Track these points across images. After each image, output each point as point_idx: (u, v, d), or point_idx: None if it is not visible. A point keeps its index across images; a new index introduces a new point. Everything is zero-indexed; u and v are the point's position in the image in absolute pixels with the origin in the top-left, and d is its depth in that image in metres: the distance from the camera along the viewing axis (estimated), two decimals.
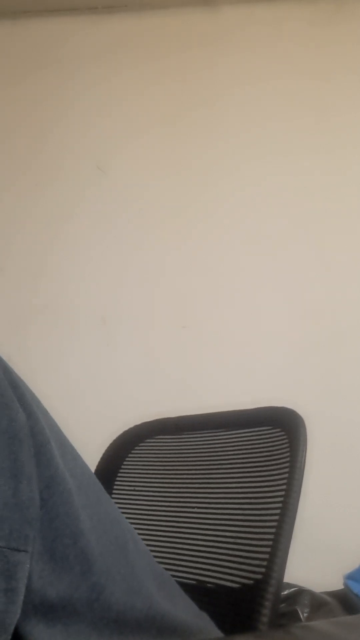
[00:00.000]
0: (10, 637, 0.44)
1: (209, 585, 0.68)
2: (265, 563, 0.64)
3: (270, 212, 1.89)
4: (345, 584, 1.50)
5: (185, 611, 0.58)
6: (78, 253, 1.92)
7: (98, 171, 1.94)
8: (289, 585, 1.44)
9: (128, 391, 1.84)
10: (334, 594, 1.49)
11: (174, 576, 0.62)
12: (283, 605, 1.44)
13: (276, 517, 0.65)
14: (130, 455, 0.87)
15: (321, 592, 1.49)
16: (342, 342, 1.81)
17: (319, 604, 1.46)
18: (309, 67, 1.93)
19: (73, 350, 1.88)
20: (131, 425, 0.99)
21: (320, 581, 1.49)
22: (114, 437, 0.99)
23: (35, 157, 1.97)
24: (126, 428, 0.99)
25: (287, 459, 0.68)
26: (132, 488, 0.83)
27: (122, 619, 0.51)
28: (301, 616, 1.44)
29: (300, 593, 1.48)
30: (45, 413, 0.53)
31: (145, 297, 1.89)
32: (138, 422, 1.00)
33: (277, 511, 0.65)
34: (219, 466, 0.76)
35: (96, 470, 0.86)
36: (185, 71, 1.97)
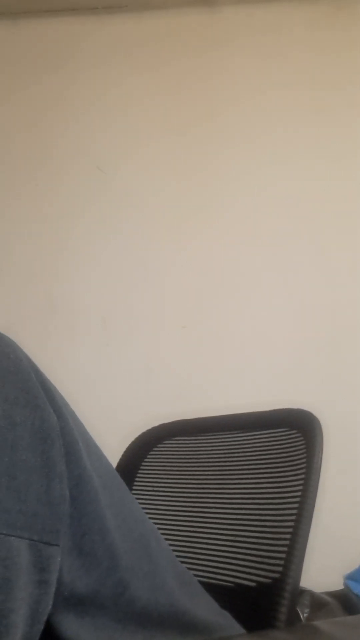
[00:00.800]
0: (42, 627, 0.46)
1: (226, 584, 0.69)
2: (282, 562, 0.65)
3: (271, 213, 1.90)
4: (345, 584, 1.51)
5: (206, 609, 0.59)
6: (78, 253, 1.93)
7: (99, 172, 1.95)
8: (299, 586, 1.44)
9: (128, 392, 1.84)
10: (334, 594, 1.50)
11: (193, 575, 0.63)
12: None
13: (293, 518, 0.66)
14: (148, 456, 0.88)
15: (321, 593, 1.50)
16: (344, 342, 1.82)
17: (319, 604, 1.48)
18: (310, 66, 1.95)
19: (73, 351, 1.88)
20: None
21: (321, 581, 1.50)
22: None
23: (35, 157, 1.97)
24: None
25: (304, 460, 0.69)
26: (150, 489, 0.84)
27: (145, 614, 0.52)
28: (301, 616, 1.45)
29: (300, 593, 1.49)
30: (73, 414, 0.54)
31: (145, 298, 1.89)
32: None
33: (294, 511, 0.66)
34: (237, 467, 0.77)
35: None
36: (185, 72, 1.97)
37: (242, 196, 1.92)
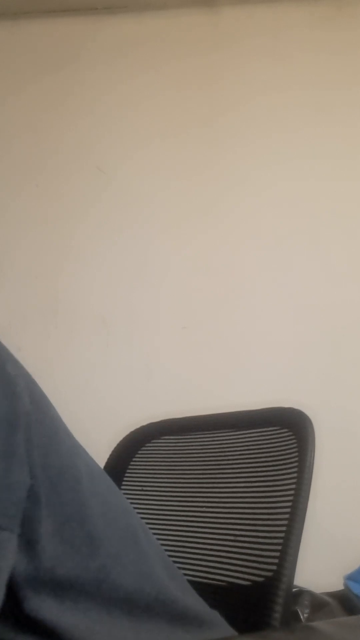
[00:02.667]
0: None
1: (220, 583, 0.69)
2: (276, 561, 0.64)
3: (271, 214, 1.89)
4: (345, 585, 1.50)
5: (195, 602, 0.59)
6: (79, 254, 1.93)
7: (99, 172, 1.95)
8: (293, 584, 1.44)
9: (129, 392, 1.84)
10: (334, 595, 1.49)
11: (184, 574, 0.63)
12: None
13: (286, 516, 0.66)
14: (137, 455, 0.87)
15: (321, 593, 1.49)
16: (344, 342, 1.82)
17: (319, 604, 1.47)
18: (310, 67, 1.94)
19: (73, 351, 1.88)
20: (132, 426, 1.00)
21: (321, 582, 1.49)
22: (115, 438, 0.99)
23: (36, 158, 1.97)
24: (127, 429, 0.99)
25: (296, 459, 0.69)
26: (140, 488, 0.83)
27: (131, 599, 0.53)
28: (301, 617, 1.45)
29: (300, 594, 1.48)
30: (52, 408, 0.55)
31: (145, 298, 1.89)
32: (139, 423, 1.01)
33: (287, 510, 0.66)
34: (227, 466, 0.77)
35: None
36: (186, 72, 1.97)
37: (242, 197, 1.91)
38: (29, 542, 0.48)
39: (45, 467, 0.49)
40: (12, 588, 0.47)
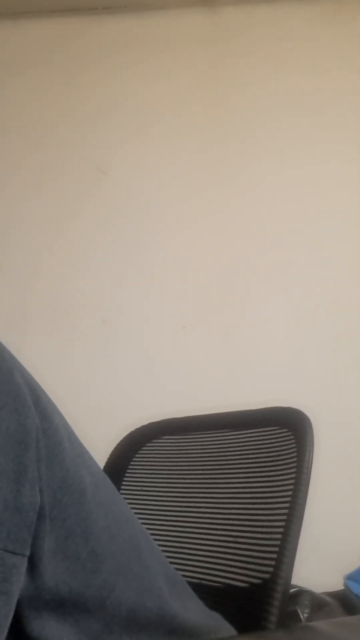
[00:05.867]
0: (4, 637, 0.44)
1: (217, 584, 0.69)
2: (273, 562, 0.64)
3: (270, 213, 1.89)
4: (345, 585, 1.50)
5: (196, 612, 0.58)
6: (78, 253, 1.92)
7: (98, 172, 1.95)
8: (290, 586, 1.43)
9: (128, 392, 1.84)
10: (334, 595, 1.49)
11: (182, 576, 0.63)
12: None
13: (284, 517, 0.66)
14: (137, 455, 0.87)
15: (321, 593, 1.49)
16: (343, 341, 1.81)
17: (319, 604, 1.46)
18: (310, 66, 1.94)
19: (73, 352, 1.88)
20: (132, 426, 1.00)
21: (321, 582, 1.49)
22: (115, 438, 0.99)
23: (35, 157, 1.97)
24: (127, 429, 0.99)
25: (294, 459, 0.68)
26: (139, 488, 0.83)
27: (132, 617, 0.52)
28: (301, 617, 1.44)
29: (300, 593, 1.48)
30: (58, 412, 0.53)
31: (145, 298, 1.89)
32: (139, 423, 1.00)
33: (285, 510, 0.66)
34: (226, 466, 0.77)
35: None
36: (185, 72, 1.97)
37: (241, 197, 1.91)
38: (31, 561, 0.46)
39: (49, 480, 0.47)
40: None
